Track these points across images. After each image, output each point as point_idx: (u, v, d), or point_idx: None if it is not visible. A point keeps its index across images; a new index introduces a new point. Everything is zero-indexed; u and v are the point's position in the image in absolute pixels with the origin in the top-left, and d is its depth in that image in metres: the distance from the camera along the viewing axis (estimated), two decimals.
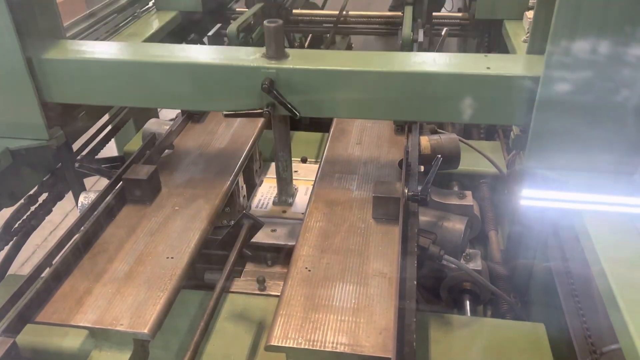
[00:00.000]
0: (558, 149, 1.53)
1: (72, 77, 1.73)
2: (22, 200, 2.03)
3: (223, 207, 1.74)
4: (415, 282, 1.32)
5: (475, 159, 2.14)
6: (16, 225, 2.07)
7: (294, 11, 3.14)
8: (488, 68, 1.54)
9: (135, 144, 2.33)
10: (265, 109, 1.62)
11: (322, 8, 3.97)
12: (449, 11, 3.92)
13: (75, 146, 2.19)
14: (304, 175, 2.14)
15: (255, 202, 2.03)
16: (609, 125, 1.47)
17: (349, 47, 4.49)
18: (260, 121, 2.08)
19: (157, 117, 2.64)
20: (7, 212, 2.03)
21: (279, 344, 1.22)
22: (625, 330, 1.11)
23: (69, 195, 2.20)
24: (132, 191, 1.66)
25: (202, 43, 3.06)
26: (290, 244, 1.72)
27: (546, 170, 1.56)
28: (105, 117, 2.49)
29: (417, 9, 2.76)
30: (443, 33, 2.55)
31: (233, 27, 2.50)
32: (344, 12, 3.06)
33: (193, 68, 1.66)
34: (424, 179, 1.55)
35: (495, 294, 1.75)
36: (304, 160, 2.27)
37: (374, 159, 1.88)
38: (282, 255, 1.78)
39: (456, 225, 1.68)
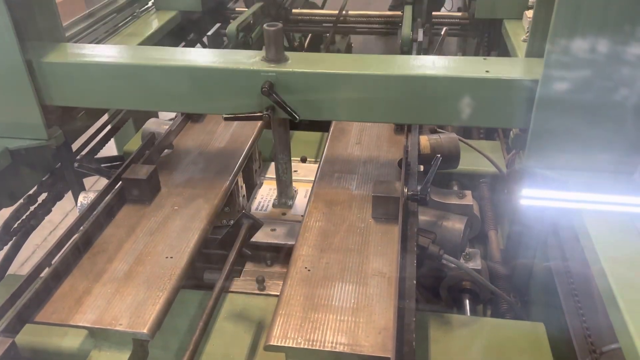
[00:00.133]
0: (558, 148, 1.53)
1: (72, 80, 1.73)
2: (21, 200, 2.03)
3: (222, 206, 1.74)
4: (414, 282, 1.32)
5: (475, 159, 2.14)
6: (15, 225, 2.06)
7: (294, 11, 3.14)
8: (487, 71, 1.54)
9: (134, 143, 2.33)
10: (265, 112, 1.62)
11: (322, 7, 3.97)
12: (449, 11, 3.92)
13: (75, 146, 2.18)
14: (304, 175, 2.14)
15: (255, 204, 2.03)
16: (608, 124, 1.47)
17: (349, 47, 4.49)
18: (260, 121, 2.07)
19: (157, 116, 2.64)
20: (7, 212, 2.03)
21: (279, 344, 1.21)
22: (625, 330, 1.11)
23: (69, 195, 2.19)
24: (132, 191, 1.66)
25: (202, 43, 3.07)
26: (289, 243, 1.72)
27: (546, 170, 1.56)
28: (105, 117, 2.49)
29: (416, 8, 2.76)
30: (442, 33, 2.55)
31: (232, 26, 2.50)
32: (344, 12, 3.06)
33: (193, 71, 1.66)
34: (424, 178, 1.55)
35: (495, 294, 1.75)
36: (303, 160, 2.27)
37: (373, 159, 1.88)
38: (282, 254, 1.78)
39: (456, 225, 1.68)
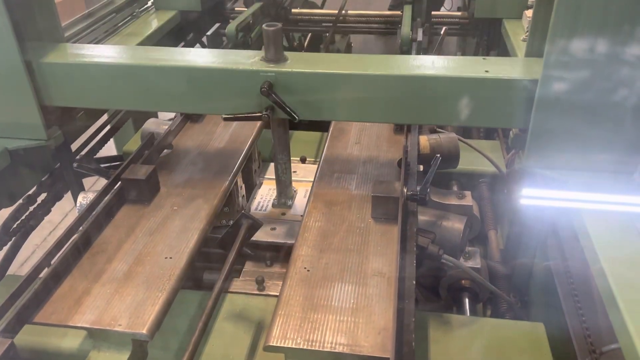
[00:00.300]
0: (557, 148, 1.53)
1: (71, 81, 1.72)
2: (20, 201, 2.03)
3: (222, 207, 1.74)
4: (414, 282, 1.31)
5: (475, 158, 2.14)
6: (15, 226, 2.06)
7: (293, 10, 3.14)
8: (486, 71, 1.54)
9: (134, 143, 2.33)
10: (264, 112, 1.62)
11: (322, 7, 3.97)
12: (448, 10, 3.92)
13: (74, 146, 2.18)
14: (303, 176, 2.14)
15: (254, 204, 2.03)
16: (608, 124, 1.46)
17: (349, 47, 4.49)
18: (259, 121, 2.07)
19: (156, 117, 2.64)
20: (6, 212, 2.03)
21: (278, 344, 1.21)
22: (624, 330, 1.11)
23: (68, 195, 2.19)
24: (131, 191, 1.66)
25: (201, 42, 3.07)
26: (289, 242, 1.71)
27: (545, 170, 1.56)
28: (104, 117, 2.49)
29: (416, 8, 2.76)
30: (442, 32, 2.55)
31: (232, 26, 2.50)
32: (343, 11, 3.06)
33: (192, 71, 1.66)
34: (423, 178, 1.55)
35: (495, 294, 1.75)
36: (303, 160, 2.27)
37: (373, 159, 1.88)
38: (281, 253, 1.78)
39: (455, 225, 1.68)
